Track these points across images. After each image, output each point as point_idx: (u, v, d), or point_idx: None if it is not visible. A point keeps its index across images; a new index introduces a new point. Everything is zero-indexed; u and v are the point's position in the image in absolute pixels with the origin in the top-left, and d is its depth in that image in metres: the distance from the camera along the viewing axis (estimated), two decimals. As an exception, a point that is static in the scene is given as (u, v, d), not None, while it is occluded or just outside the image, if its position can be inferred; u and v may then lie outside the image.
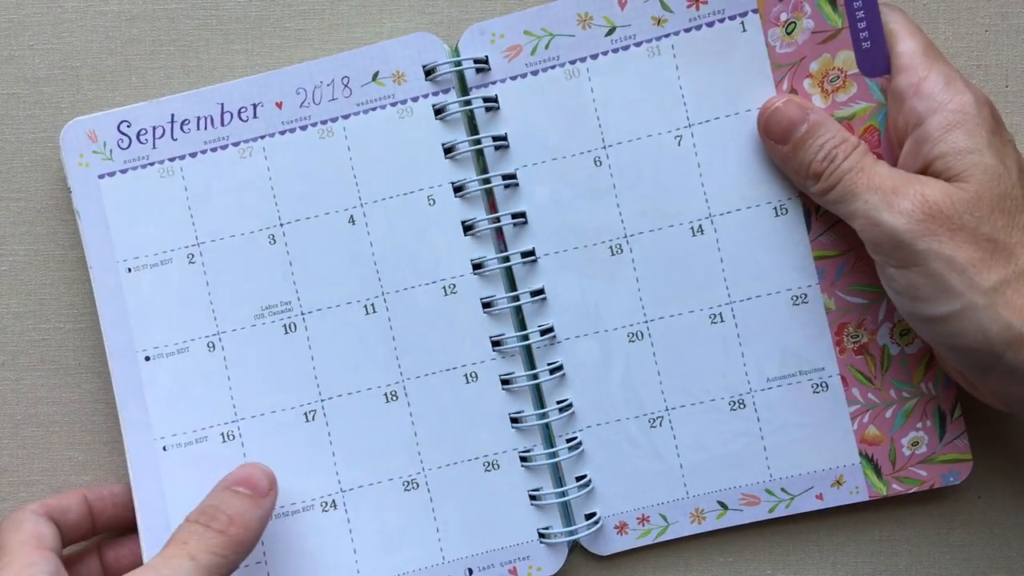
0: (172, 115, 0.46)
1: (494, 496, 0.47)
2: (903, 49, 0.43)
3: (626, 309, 0.46)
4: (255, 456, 0.46)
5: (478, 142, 0.46)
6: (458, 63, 0.46)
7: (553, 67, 0.46)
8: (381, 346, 0.47)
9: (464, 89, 0.46)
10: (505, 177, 0.46)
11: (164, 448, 0.46)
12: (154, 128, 0.46)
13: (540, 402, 0.47)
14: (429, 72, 0.46)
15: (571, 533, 0.47)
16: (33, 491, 0.49)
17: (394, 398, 0.47)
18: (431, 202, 0.46)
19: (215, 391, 0.47)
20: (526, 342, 0.46)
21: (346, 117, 0.46)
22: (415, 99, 0.46)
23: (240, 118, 0.46)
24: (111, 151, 0.46)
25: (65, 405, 0.49)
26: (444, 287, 0.47)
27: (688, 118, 0.46)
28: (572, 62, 0.46)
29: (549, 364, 0.47)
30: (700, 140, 0.46)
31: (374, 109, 0.46)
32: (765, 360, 0.46)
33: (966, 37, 0.48)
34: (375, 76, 0.46)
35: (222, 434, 0.47)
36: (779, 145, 0.44)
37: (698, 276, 0.46)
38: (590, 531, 0.47)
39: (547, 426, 0.47)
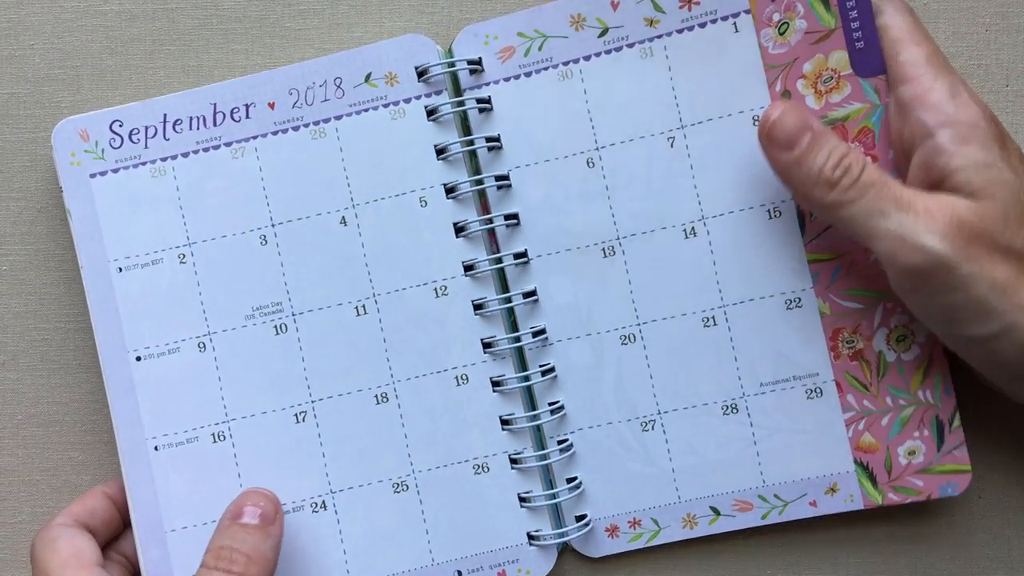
0: (164, 115, 0.47)
1: (484, 498, 0.47)
2: (907, 58, 0.43)
3: (618, 311, 0.47)
4: (245, 456, 0.47)
5: (471, 143, 0.46)
6: (451, 64, 0.46)
7: (546, 68, 0.46)
8: (372, 347, 0.47)
9: (457, 90, 0.47)
10: (498, 178, 0.47)
11: (156, 448, 0.47)
12: (146, 128, 0.47)
13: (531, 404, 0.47)
14: (421, 73, 0.46)
15: (561, 535, 0.47)
16: (33, 491, 0.50)
17: (384, 400, 0.47)
18: (423, 203, 0.47)
19: (206, 391, 0.47)
20: (518, 344, 0.47)
21: (338, 118, 0.47)
22: (407, 100, 0.47)
23: (232, 118, 0.47)
24: (103, 150, 0.47)
25: (65, 405, 0.50)
26: (435, 289, 0.47)
27: (681, 119, 0.46)
28: (565, 63, 0.46)
29: (541, 366, 0.47)
30: (693, 142, 0.46)
31: (366, 110, 0.47)
32: (758, 364, 0.46)
33: (966, 37, 0.48)
34: (367, 77, 0.47)
35: (213, 434, 0.47)
36: (785, 152, 0.42)
37: (691, 279, 0.46)
38: (580, 533, 0.47)
39: (538, 428, 0.47)
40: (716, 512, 0.47)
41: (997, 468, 0.48)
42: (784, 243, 0.46)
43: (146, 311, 0.47)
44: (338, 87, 0.47)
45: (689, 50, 0.45)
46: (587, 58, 0.46)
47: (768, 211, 0.46)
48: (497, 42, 0.46)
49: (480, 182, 0.46)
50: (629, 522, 0.47)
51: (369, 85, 0.47)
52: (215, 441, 0.47)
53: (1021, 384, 0.42)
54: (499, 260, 0.47)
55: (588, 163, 0.46)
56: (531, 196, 0.47)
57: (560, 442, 0.47)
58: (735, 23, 0.45)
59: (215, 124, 0.47)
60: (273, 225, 0.47)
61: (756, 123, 0.45)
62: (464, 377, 0.47)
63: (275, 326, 0.47)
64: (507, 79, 0.46)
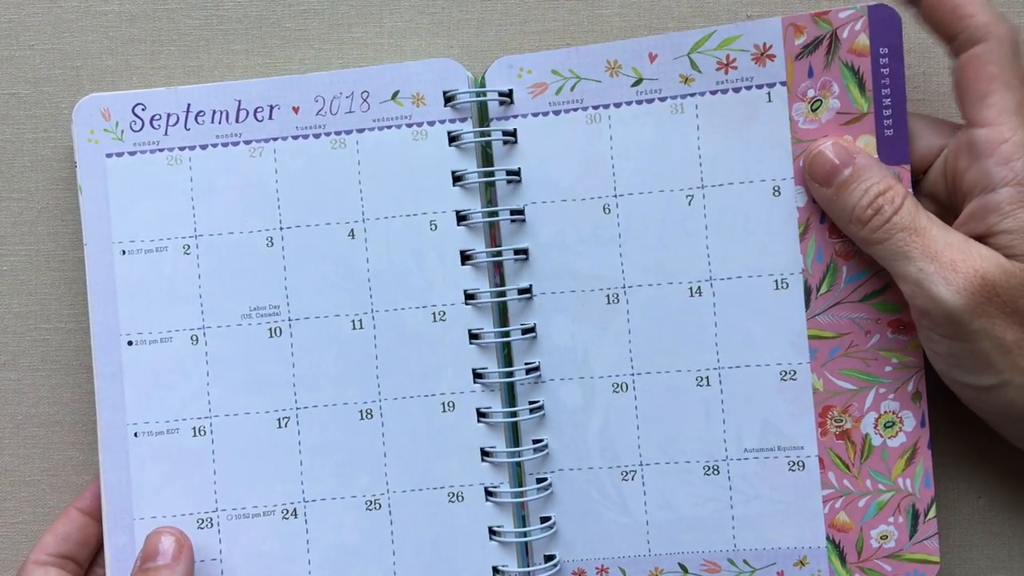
0: (188, 105, 0.48)
1: (454, 527, 0.48)
2: (994, 101, 0.42)
3: (614, 359, 0.48)
4: (223, 454, 0.48)
5: (490, 174, 0.47)
6: (481, 93, 0.47)
7: (576, 109, 0.47)
8: (363, 362, 0.48)
9: (484, 119, 0.48)
10: (513, 212, 0.47)
11: (135, 434, 0.48)
12: (168, 115, 0.48)
13: (515, 439, 0.48)
14: (449, 98, 0.47)
15: (526, 574, 0.48)
16: (34, 491, 0.51)
17: (368, 416, 0.48)
18: (433, 227, 0.48)
19: (192, 384, 0.48)
20: (509, 379, 0.48)
21: (360, 131, 0.48)
22: (431, 123, 0.48)
23: (255, 117, 0.48)
24: (122, 132, 0.48)
25: (66, 405, 0.51)
26: (434, 313, 0.48)
27: (702, 179, 0.47)
28: (595, 107, 0.47)
29: (531, 403, 0.48)
30: (711, 202, 0.47)
31: (389, 127, 0.48)
32: (745, 430, 0.47)
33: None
34: (395, 95, 0.48)
35: (194, 428, 0.48)
36: (823, 188, 0.45)
37: (690, 336, 0.47)
38: (548, 573, 0.48)
39: (517, 464, 0.48)
40: (684, 569, 0.48)
41: (997, 468, 0.50)
42: (787, 315, 0.47)
43: (144, 297, 0.48)
44: (364, 100, 0.48)
45: (720, 112, 0.46)
46: (617, 105, 0.47)
47: (776, 281, 0.47)
48: (530, 76, 0.47)
49: (493, 213, 0.47)
50: (597, 568, 0.48)
51: (395, 103, 0.48)
52: (195, 435, 0.48)
53: (1010, 428, 0.44)
54: (502, 293, 0.48)
55: (604, 208, 0.47)
56: (543, 233, 0.48)
57: (539, 480, 0.48)
58: (769, 93, 0.46)
59: (237, 120, 0.48)
60: (281, 228, 0.48)
61: (776, 194, 0.46)
62: (451, 404, 0.48)
63: (270, 328, 0.48)
64: (535, 114, 0.47)
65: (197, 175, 0.48)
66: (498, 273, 0.48)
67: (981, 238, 0.42)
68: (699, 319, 0.47)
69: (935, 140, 0.46)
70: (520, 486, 0.48)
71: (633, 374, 0.48)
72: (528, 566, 0.48)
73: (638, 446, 0.48)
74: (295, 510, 0.48)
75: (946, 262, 0.41)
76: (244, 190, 0.48)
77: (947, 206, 0.46)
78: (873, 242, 0.43)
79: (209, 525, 0.48)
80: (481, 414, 0.48)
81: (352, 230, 0.48)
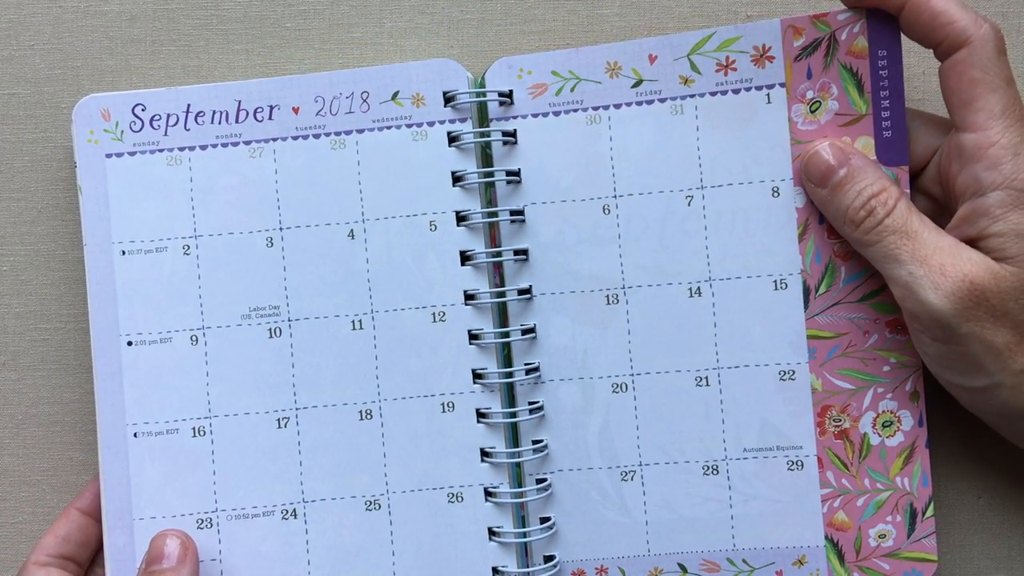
0: (188, 105, 0.49)
1: (454, 528, 0.49)
2: (980, 105, 0.43)
3: (614, 359, 0.49)
4: (223, 454, 0.49)
5: (490, 174, 0.48)
6: (481, 94, 0.48)
7: (576, 110, 0.48)
8: (363, 363, 0.49)
9: (484, 119, 0.49)
10: (513, 212, 0.49)
11: (135, 435, 0.49)
12: (168, 115, 0.49)
13: (514, 440, 0.49)
14: (449, 99, 0.48)
15: (526, 574, 0.49)
16: (34, 491, 0.52)
17: (368, 416, 0.49)
18: (432, 227, 0.49)
19: (192, 385, 0.49)
20: (509, 379, 0.49)
21: (360, 131, 0.49)
22: (431, 124, 0.49)
23: (255, 117, 0.49)
24: (122, 132, 0.49)
25: (66, 405, 0.52)
26: (434, 313, 0.49)
27: (702, 180, 0.48)
28: (595, 108, 0.48)
29: (530, 403, 0.49)
30: (710, 203, 0.48)
31: (389, 128, 0.49)
32: (744, 430, 0.49)
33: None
34: (395, 95, 0.49)
35: (193, 428, 0.49)
36: (818, 189, 0.46)
37: (690, 337, 0.49)
38: (548, 574, 0.49)
39: (517, 465, 0.49)
40: (683, 569, 0.49)
41: (997, 468, 0.51)
42: (786, 315, 0.48)
43: (144, 297, 0.49)
44: (364, 101, 0.49)
45: (719, 113, 0.48)
46: (617, 106, 0.48)
47: (775, 282, 0.48)
48: (530, 77, 0.48)
49: (493, 213, 0.49)
50: (596, 568, 0.50)
51: (395, 103, 0.49)
52: (195, 435, 0.49)
53: (1008, 428, 0.45)
54: (502, 293, 0.49)
55: (604, 209, 0.48)
56: (543, 233, 0.49)
57: (539, 481, 0.49)
58: (768, 94, 0.47)
59: (237, 121, 0.49)
60: (281, 229, 0.49)
61: (775, 195, 0.48)
62: (450, 405, 0.49)
63: (270, 329, 0.49)
64: (535, 115, 0.48)
65: (197, 175, 0.49)
66: (498, 273, 0.49)
67: (973, 241, 0.44)
68: (698, 319, 0.49)
69: (931, 139, 0.47)
70: (520, 487, 0.49)
71: (633, 374, 0.49)
72: (528, 567, 0.49)
73: (638, 446, 0.49)
74: (295, 510, 0.49)
75: (935, 266, 0.42)
76: (244, 190, 0.49)
77: (943, 205, 0.47)
78: (865, 244, 0.45)
79: (209, 525, 0.49)
80: (481, 414, 0.49)
81: (352, 230, 0.49)
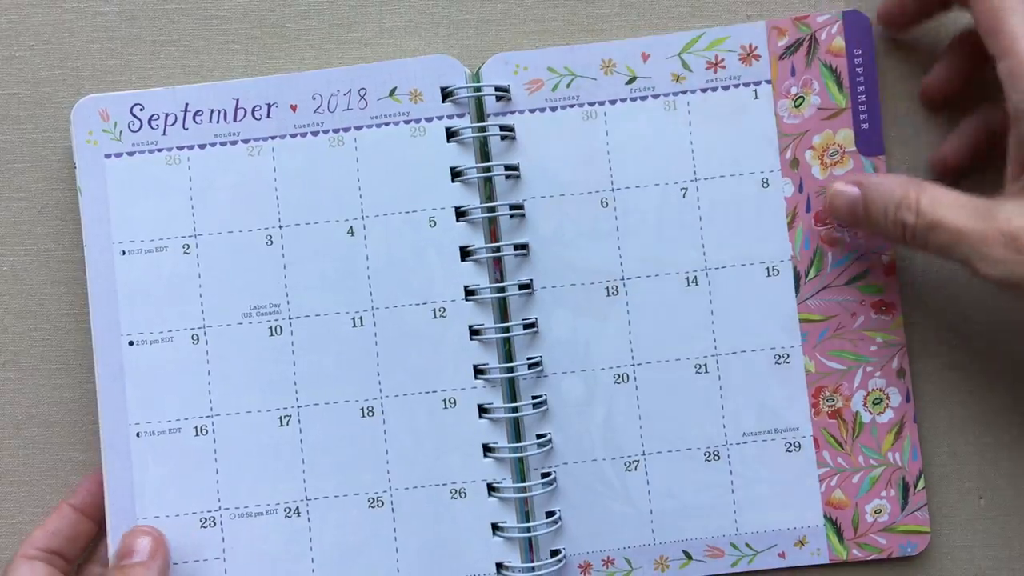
0: (186, 104, 0.50)
1: (457, 524, 0.51)
2: (1007, 28, 0.43)
3: (615, 350, 0.51)
4: (225, 453, 0.50)
5: (488, 169, 0.50)
6: (478, 88, 0.50)
7: (572, 106, 0.51)
8: (364, 360, 0.50)
9: (481, 115, 0.51)
10: (512, 207, 0.51)
11: (137, 435, 0.49)
12: (166, 115, 0.50)
13: (516, 434, 0.51)
14: (447, 95, 0.51)
15: (530, 569, 0.50)
16: (33, 491, 0.52)
17: (370, 413, 0.50)
18: (432, 223, 0.51)
19: (194, 384, 0.50)
20: (510, 374, 0.51)
21: (358, 128, 0.51)
22: (429, 119, 0.51)
23: (253, 116, 0.50)
24: (121, 132, 0.50)
25: (66, 405, 0.52)
26: (434, 309, 0.51)
27: (695, 172, 0.51)
28: (591, 104, 0.51)
29: (534, 397, 0.51)
30: (704, 195, 0.51)
31: (387, 124, 0.51)
32: (743, 415, 0.51)
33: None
34: (392, 92, 0.51)
35: (195, 427, 0.50)
36: (853, 222, 0.49)
37: (688, 325, 0.51)
38: (555, 568, 0.51)
39: (519, 460, 0.51)
40: (688, 556, 0.51)
41: (997, 468, 0.53)
42: (779, 301, 0.51)
43: (144, 297, 0.50)
44: (362, 98, 0.51)
45: (710, 109, 0.51)
46: (612, 102, 0.51)
47: (767, 269, 0.51)
48: (527, 73, 0.51)
49: (492, 208, 0.51)
50: (603, 560, 0.51)
51: (393, 100, 0.51)
52: (197, 434, 0.50)
53: None
54: (502, 288, 0.51)
55: (602, 203, 0.51)
56: (543, 228, 0.51)
57: (544, 475, 0.51)
58: (756, 90, 0.51)
59: (235, 120, 0.50)
60: (281, 227, 0.50)
61: (765, 185, 0.51)
62: (452, 401, 0.51)
63: (271, 327, 0.50)
64: (532, 110, 0.51)
65: (196, 175, 0.50)
66: (498, 268, 0.51)
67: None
68: (696, 308, 0.51)
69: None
70: (523, 481, 0.51)
71: (634, 365, 0.51)
72: (532, 561, 0.51)
73: (640, 436, 0.51)
74: (298, 508, 0.50)
75: (976, 239, 0.43)
76: (243, 189, 0.50)
77: None
78: (915, 247, 0.46)
79: (212, 524, 0.50)
80: (483, 410, 0.51)
81: (351, 227, 0.51)
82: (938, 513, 0.52)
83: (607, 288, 0.51)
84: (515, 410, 0.50)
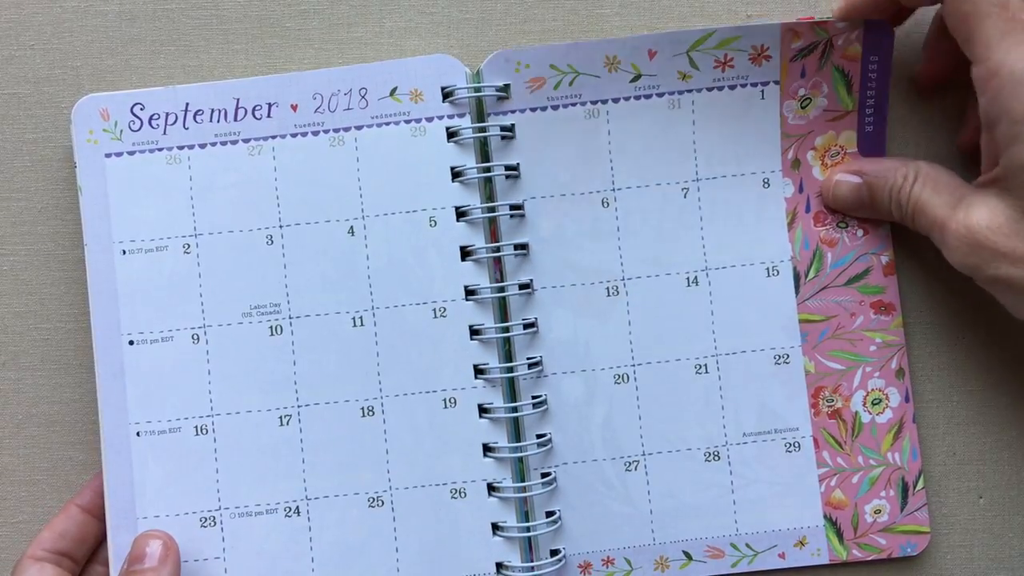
0: (187, 104, 0.51)
1: (457, 523, 0.52)
2: (980, 35, 0.44)
3: (615, 350, 0.52)
4: (225, 452, 0.51)
5: (488, 169, 0.51)
6: (478, 88, 0.51)
7: (574, 104, 0.52)
8: (364, 360, 0.51)
9: (481, 113, 0.52)
10: (512, 207, 0.52)
11: (138, 434, 0.50)
12: (167, 114, 0.51)
13: (516, 434, 0.52)
14: (448, 94, 0.52)
15: (530, 568, 0.51)
16: (34, 491, 0.53)
17: (370, 413, 0.51)
18: (432, 223, 0.52)
19: (194, 383, 0.51)
20: (510, 374, 0.52)
21: (359, 128, 0.52)
22: (430, 119, 0.52)
23: (254, 115, 0.51)
24: (121, 131, 0.51)
25: (66, 405, 0.53)
26: (435, 309, 0.52)
27: (697, 172, 0.52)
28: (594, 102, 0.52)
29: (534, 397, 0.52)
30: (705, 195, 0.52)
31: (388, 124, 0.52)
32: (743, 415, 0.52)
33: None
34: (393, 91, 0.52)
35: (196, 427, 0.51)
36: (860, 211, 0.52)
37: (688, 325, 0.52)
38: (554, 568, 0.52)
39: (520, 459, 0.52)
40: (688, 557, 0.52)
41: (998, 468, 0.54)
42: (778, 301, 0.52)
43: (145, 296, 0.51)
44: (363, 97, 0.52)
45: (715, 108, 0.52)
46: (616, 100, 0.52)
47: (767, 269, 0.52)
48: (528, 71, 0.52)
49: (492, 208, 0.52)
50: (603, 560, 0.52)
51: (393, 99, 0.52)
52: (197, 434, 0.51)
53: None
54: (502, 288, 0.52)
55: (603, 203, 0.52)
56: (543, 227, 0.52)
57: (544, 475, 0.52)
58: (763, 91, 0.52)
59: (236, 119, 0.51)
60: (281, 226, 0.51)
61: (766, 185, 0.52)
62: (452, 400, 0.52)
63: (271, 327, 0.51)
64: (533, 109, 0.52)
65: (196, 174, 0.51)
66: (498, 268, 0.52)
67: (996, 177, 0.46)
68: (696, 308, 0.52)
69: None
70: (523, 481, 0.52)
71: (634, 365, 0.52)
72: (532, 561, 0.52)
73: (640, 436, 0.52)
74: (298, 508, 0.51)
75: (939, 224, 0.47)
76: (243, 188, 0.51)
77: None
78: (921, 232, 0.49)
79: (212, 523, 0.51)
80: (483, 410, 0.52)
81: (352, 227, 0.52)
82: (938, 513, 0.54)
83: (607, 288, 0.52)
84: (515, 410, 0.52)
